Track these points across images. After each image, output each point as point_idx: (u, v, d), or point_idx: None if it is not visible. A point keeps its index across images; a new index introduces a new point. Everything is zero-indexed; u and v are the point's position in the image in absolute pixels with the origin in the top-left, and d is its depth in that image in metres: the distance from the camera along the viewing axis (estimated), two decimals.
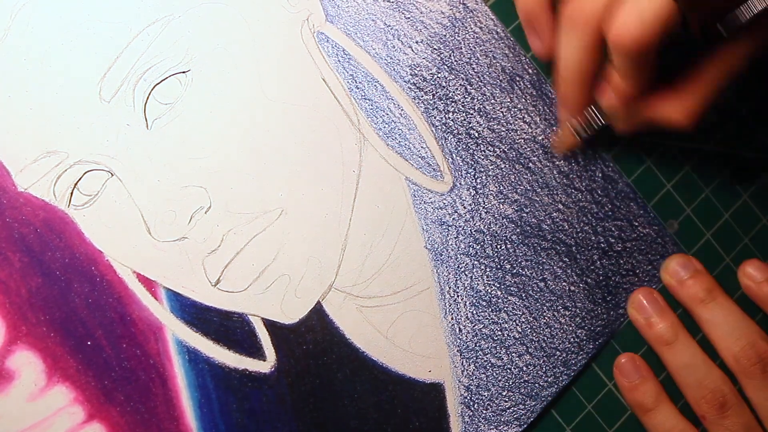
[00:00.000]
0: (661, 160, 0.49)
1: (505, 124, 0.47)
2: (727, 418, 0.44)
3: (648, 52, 0.37)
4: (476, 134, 0.46)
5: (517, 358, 0.45)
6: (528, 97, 0.47)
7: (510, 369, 0.45)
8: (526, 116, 0.47)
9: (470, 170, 0.46)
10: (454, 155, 0.46)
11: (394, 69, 0.45)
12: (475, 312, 0.45)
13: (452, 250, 0.45)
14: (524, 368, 0.45)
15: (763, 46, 0.39)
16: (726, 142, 0.49)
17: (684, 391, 0.45)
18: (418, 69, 0.46)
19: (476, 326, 0.45)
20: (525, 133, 0.47)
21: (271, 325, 0.43)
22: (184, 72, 0.42)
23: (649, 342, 0.46)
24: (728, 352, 0.45)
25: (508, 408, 0.45)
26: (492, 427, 0.44)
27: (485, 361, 0.45)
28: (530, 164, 0.47)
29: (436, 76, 0.46)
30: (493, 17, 0.47)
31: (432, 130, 0.46)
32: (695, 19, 0.37)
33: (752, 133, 0.50)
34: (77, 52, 0.41)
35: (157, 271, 0.42)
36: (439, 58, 0.46)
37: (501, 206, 0.46)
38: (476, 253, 0.45)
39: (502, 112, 0.47)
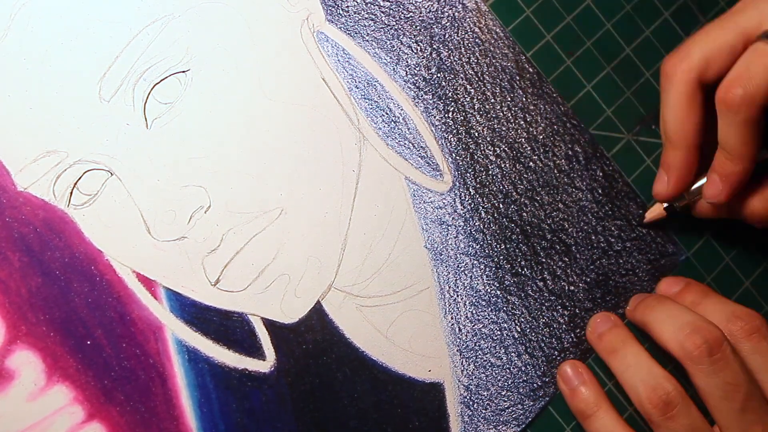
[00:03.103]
0: None
1: (505, 123, 0.47)
2: (673, 420, 0.41)
3: (755, 112, 0.38)
4: (476, 134, 0.46)
5: (516, 358, 0.45)
6: (528, 96, 0.47)
7: (509, 369, 0.45)
8: (526, 115, 0.47)
9: (470, 170, 0.46)
10: (453, 155, 0.46)
11: (393, 69, 0.45)
12: (474, 311, 0.45)
13: (452, 249, 0.45)
14: (523, 368, 0.45)
15: None
16: None
17: (628, 393, 0.43)
18: (417, 69, 0.46)
19: (476, 326, 0.45)
20: (525, 132, 0.47)
21: (270, 325, 0.43)
22: (183, 71, 0.42)
23: (600, 354, 0.46)
24: (674, 342, 0.42)
25: (507, 408, 0.45)
26: (491, 426, 0.44)
27: (485, 360, 0.45)
28: (530, 163, 0.47)
29: (435, 76, 0.46)
30: (492, 17, 0.47)
31: (432, 130, 0.46)
32: None
33: None
34: (77, 52, 0.41)
35: (157, 270, 0.42)
36: (439, 58, 0.46)
37: (501, 206, 0.46)
38: (476, 252, 0.45)
39: (502, 111, 0.47)
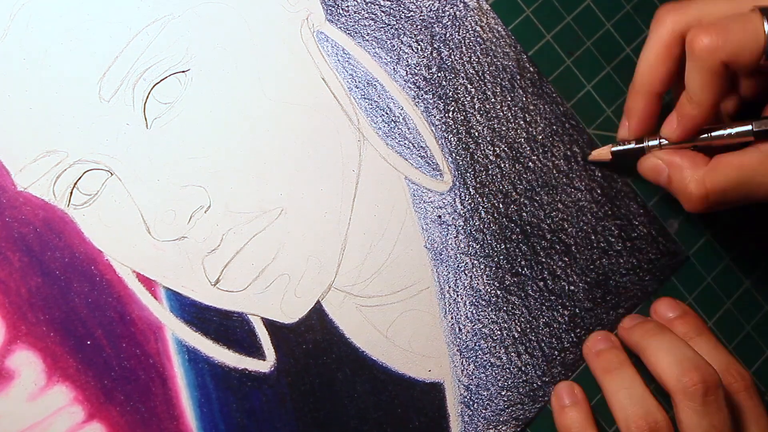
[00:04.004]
0: None
1: (505, 123, 0.47)
2: None
3: (718, 65, 0.38)
4: (476, 133, 0.46)
5: (516, 358, 0.45)
6: (528, 95, 0.47)
7: (509, 369, 0.45)
8: (526, 115, 0.47)
9: (470, 169, 0.46)
10: (454, 154, 0.46)
11: (393, 68, 0.45)
12: (474, 311, 0.45)
13: (452, 249, 0.45)
14: (523, 368, 0.45)
15: None
16: None
17: (615, 415, 0.43)
18: (418, 68, 0.46)
19: (476, 326, 0.45)
20: (525, 132, 0.47)
21: (270, 325, 0.43)
22: (183, 71, 0.42)
23: (593, 371, 0.45)
24: (671, 374, 0.41)
25: (507, 408, 0.45)
26: (491, 426, 0.44)
27: (485, 360, 0.45)
28: (530, 163, 0.47)
29: (436, 76, 0.46)
30: (494, 16, 0.47)
31: (432, 130, 0.46)
32: None
33: None
34: (77, 52, 0.41)
35: (157, 270, 0.42)
36: (440, 57, 0.46)
37: (501, 205, 0.46)
38: (476, 252, 0.45)
39: (502, 111, 0.47)
